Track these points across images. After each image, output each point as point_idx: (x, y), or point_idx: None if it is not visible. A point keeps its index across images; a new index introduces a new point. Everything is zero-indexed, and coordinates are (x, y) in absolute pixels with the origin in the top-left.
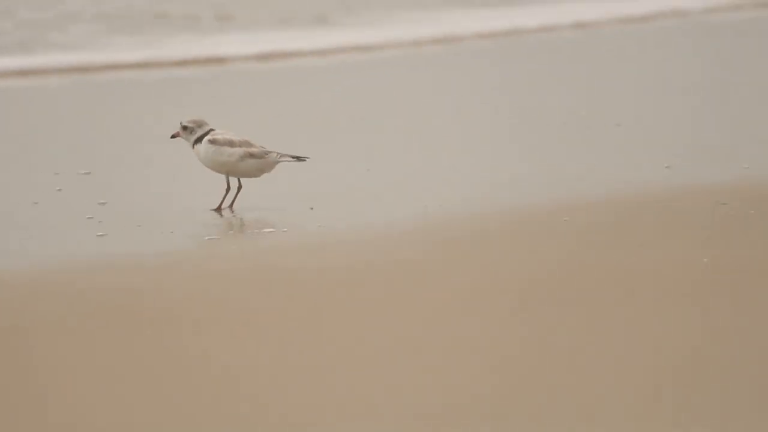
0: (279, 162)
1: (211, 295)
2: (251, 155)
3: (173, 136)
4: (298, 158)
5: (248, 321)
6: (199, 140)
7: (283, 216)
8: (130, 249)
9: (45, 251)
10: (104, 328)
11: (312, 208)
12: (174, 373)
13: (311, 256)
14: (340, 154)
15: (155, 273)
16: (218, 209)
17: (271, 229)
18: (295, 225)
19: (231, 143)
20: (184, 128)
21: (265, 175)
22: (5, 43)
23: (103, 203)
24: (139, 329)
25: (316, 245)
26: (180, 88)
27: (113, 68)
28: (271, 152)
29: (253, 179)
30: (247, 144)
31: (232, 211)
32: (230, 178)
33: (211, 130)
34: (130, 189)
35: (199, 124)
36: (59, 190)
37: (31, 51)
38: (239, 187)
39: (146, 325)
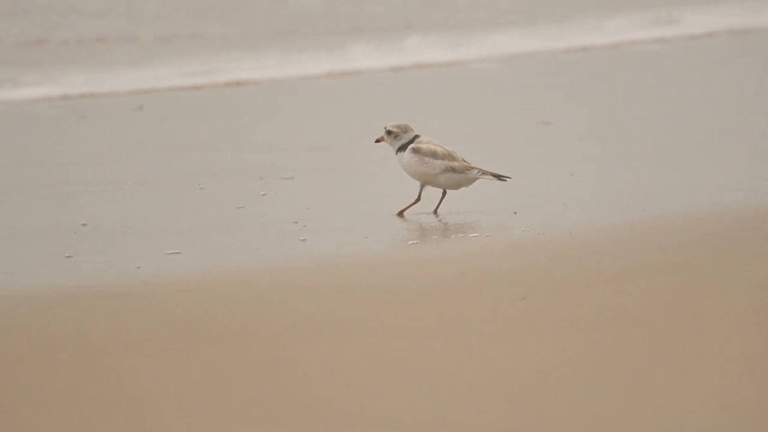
0: (479, 179)
1: (417, 299)
2: (452, 169)
3: (378, 141)
4: (499, 177)
5: (453, 323)
6: (403, 147)
7: (487, 220)
8: (332, 252)
9: (247, 254)
10: (312, 328)
11: (516, 213)
12: (378, 376)
13: (516, 259)
14: (540, 160)
15: (353, 278)
16: (401, 213)
17: (475, 234)
18: (499, 229)
19: (434, 154)
20: (389, 133)
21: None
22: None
23: (309, 208)
24: (346, 330)
25: (521, 248)
26: (375, 93)
27: (305, 78)
28: (472, 168)
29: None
30: (450, 157)
31: (437, 216)
32: (425, 188)
33: (417, 136)
34: (333, 193)
35: (404, 130)
36: (263, 194)
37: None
38: (444, 193)
39: (353, 326)
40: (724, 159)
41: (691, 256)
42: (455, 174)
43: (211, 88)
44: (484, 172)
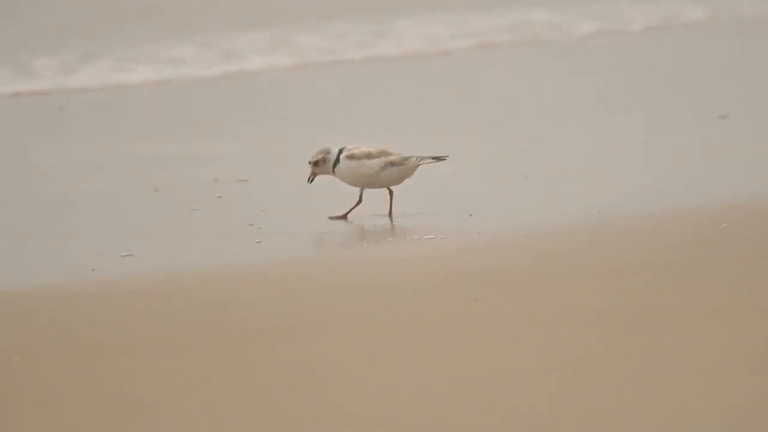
0: (420, 165)
1: (373, 301)
2: (392, 164)
3: (310, 179)
4: (438, 158)
5: (407, 326)
6: (336, 161)
7: (442, 223)
8: (287, 254)
9: (203, 258)
10: (267, 332)
11: (471, 215)
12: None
13: (471, 261)
14: (498, 161)
15: (311, 281)
16: (343, 216)
17: (431, 236)
18: (455, 231)
19: (369, 155)
20: (316, 164)
21: (423, 182)
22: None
23: (264, 210)
24: (302, 335)
25: (476, 251)
26: (326, 91)
27: (269, 70)
28: (410, 157)
29: (398, 186)
30: (385, 153)
31: (391, 219)
32: (364, 191)
33: (343, 148)
34: (288, 195)
35: (327, 151)
36: (218, 196)
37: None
38: (391, 192)
39: (308, 331)
40: (705, 161)
41: (648, 258)
42: (395, 167)
43: (157, 85)
44: (422, 158)
